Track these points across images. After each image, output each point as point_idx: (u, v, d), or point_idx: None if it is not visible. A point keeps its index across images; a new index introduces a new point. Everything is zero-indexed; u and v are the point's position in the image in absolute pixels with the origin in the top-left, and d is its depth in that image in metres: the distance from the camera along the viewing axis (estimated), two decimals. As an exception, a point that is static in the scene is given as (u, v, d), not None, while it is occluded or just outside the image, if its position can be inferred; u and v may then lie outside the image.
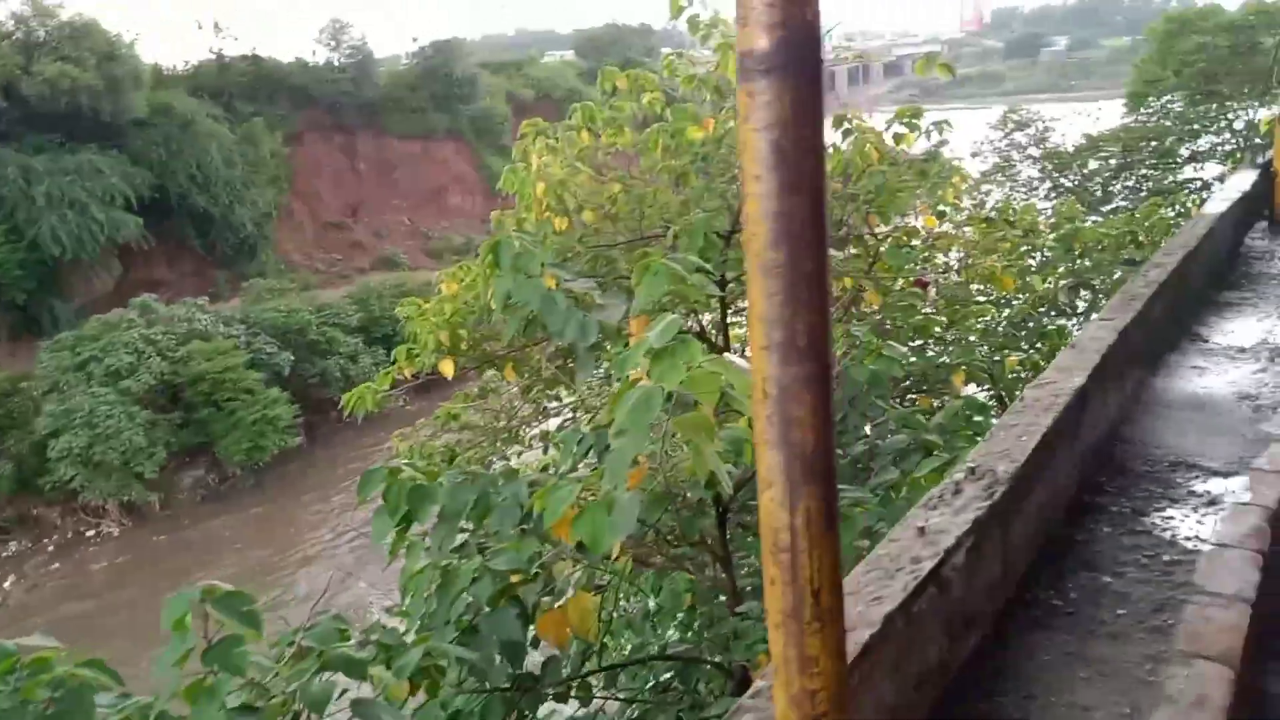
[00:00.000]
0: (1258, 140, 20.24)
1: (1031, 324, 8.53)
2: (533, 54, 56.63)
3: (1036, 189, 23.64)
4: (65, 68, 31.66)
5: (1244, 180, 6.42)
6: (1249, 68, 22.75)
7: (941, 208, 7.90)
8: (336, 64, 43.02)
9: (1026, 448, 2.49)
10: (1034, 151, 24.16)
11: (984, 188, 23.34)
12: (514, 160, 7.45)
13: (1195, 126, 23.61)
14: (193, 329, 30.29)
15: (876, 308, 7.83)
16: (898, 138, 7.07)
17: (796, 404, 1.30)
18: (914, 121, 7.07)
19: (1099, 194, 23.20)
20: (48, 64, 31.56)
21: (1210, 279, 4.97)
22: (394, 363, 7.09)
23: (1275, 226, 6.42)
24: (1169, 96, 24.91)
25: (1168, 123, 24.06)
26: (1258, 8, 24.28)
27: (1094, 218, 19.93)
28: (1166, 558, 2.57)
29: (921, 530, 2.10)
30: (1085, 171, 23.58)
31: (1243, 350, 4.05)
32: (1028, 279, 9.06)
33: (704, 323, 8.13)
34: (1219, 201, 5.67)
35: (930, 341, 8.64)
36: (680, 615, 5.22)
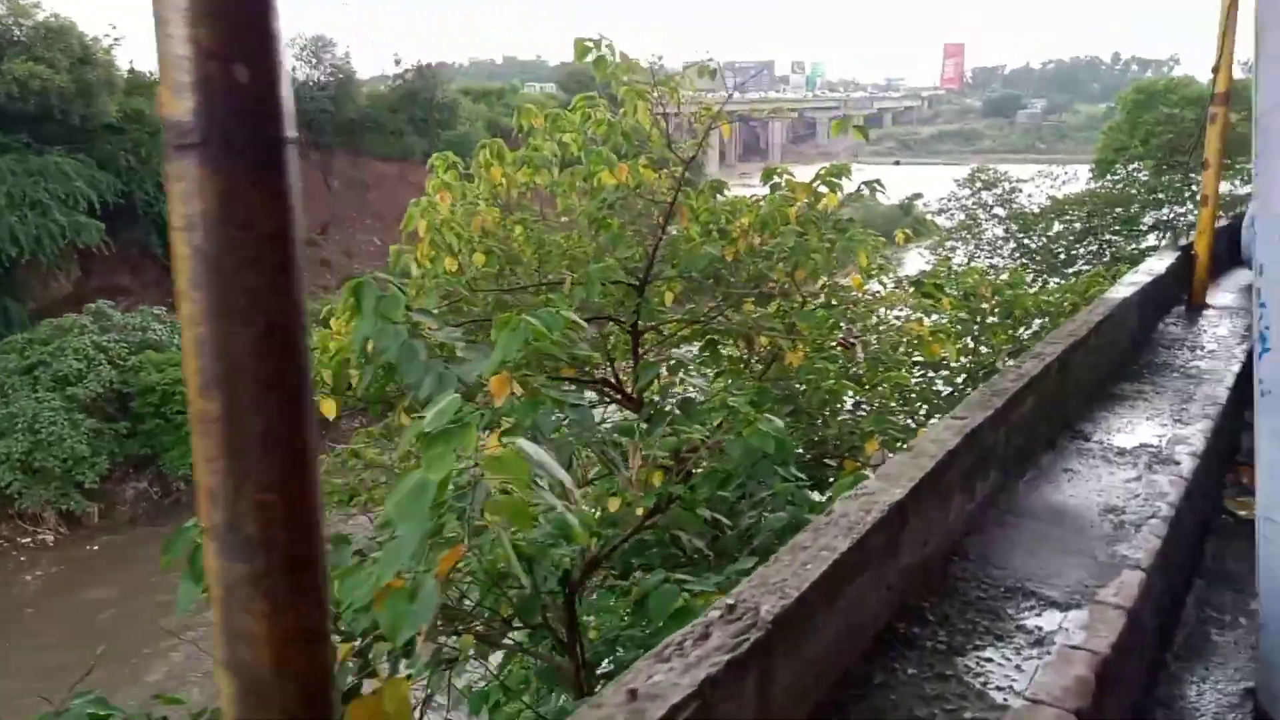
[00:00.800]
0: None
1: (953, 391, 8.27)
2: (514, 84, 56.70)
3: (1000, 248, 23.58)
4: (36, 68, 31.15)
5: (1160, 263, 6.17)
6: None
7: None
8: (317, 81, 42.77)
9: (806, 580, 2.13)
10: (1000, 211, 24.15)
11: (948, 244, 23.31)
12: (430, 194, 7.13)
13: (1160, 196, 23.68)
14: (146, 338, 29.66)
15: (796, 366, 7.57)
16: (817, 196, 6.82)
17: (245, 613, 0.94)
18: (834, 181, 6.83)
19: (1062, 257, 23.17)
20: (18, 64, 31.06)
21: (1110, 368, 4.68)
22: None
23: (1192, 312, 6.17)
24: (1136, 165, 25.02)
25: (1133, 190, 24.12)
26: (1226, 83, 24.43)
27: (1056, 280, 19.84)
28: (968, 715, 2.22)
29: (633, 694, 1.73)
30: (1050, 234, 23.56)
31: (1122, 453, 3.73)
32: (962, 343, 8.85)
33: (618, 372, 7.80)
34: (1124, 286, 5.40)
35: (863, 403, 8.43)
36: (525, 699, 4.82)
